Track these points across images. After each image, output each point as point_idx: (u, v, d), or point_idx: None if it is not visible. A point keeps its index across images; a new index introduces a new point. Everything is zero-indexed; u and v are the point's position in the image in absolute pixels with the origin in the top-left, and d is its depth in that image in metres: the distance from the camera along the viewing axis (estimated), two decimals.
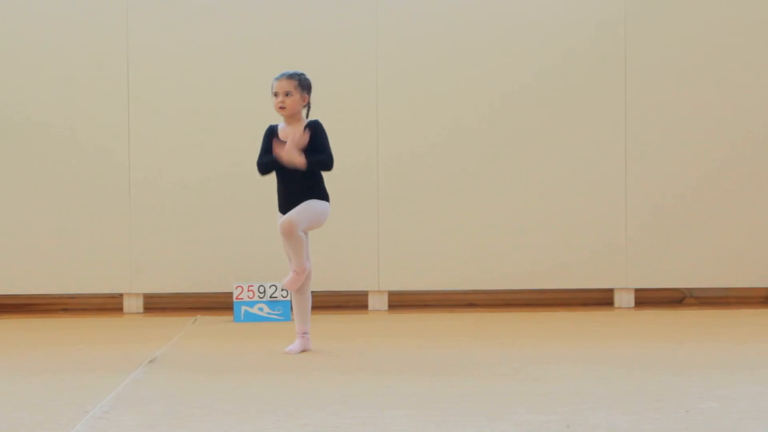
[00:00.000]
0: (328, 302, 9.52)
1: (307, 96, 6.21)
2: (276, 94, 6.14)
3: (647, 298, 9.60)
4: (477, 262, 9.32)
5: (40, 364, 6.06)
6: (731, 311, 8.95)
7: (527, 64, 9.33)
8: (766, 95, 9.42)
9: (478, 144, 9.33)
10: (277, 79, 6.16)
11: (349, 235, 9.27)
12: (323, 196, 6.36)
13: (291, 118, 6.20)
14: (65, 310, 9.44)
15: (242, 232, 9.22)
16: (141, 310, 9.28)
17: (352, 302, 9.50)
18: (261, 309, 8.46)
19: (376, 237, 9.28)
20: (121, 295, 9.35)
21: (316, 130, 6.14)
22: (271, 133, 6.26)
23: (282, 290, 8.51)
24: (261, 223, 9.24)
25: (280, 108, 6.15)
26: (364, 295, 9.40)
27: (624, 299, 9.41)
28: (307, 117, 6.27)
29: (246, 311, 8.44)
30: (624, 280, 9.39)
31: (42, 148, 9.15)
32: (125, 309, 9.29)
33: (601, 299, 9.57)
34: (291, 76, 6.14)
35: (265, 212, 9.25)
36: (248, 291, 8.45)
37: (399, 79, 9.30)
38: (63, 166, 9.16)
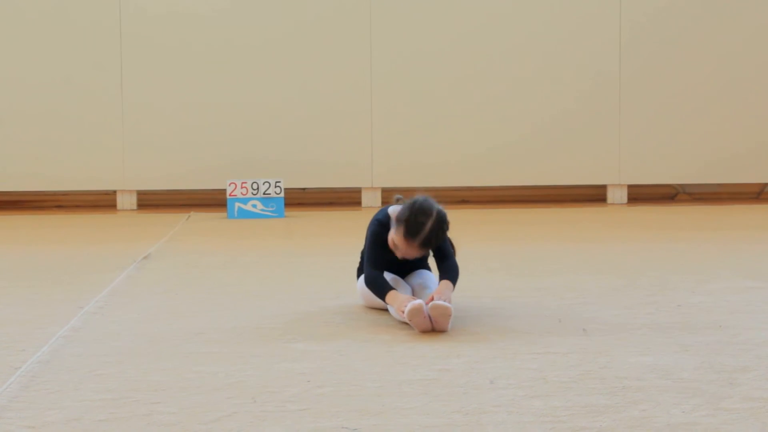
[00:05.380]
0: (322, 199, 9.53)
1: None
2: (396, 247, 4.24)
3: (640, 194, 9.62)
4: (469, 159, 9.31)
5: (35, 260, 6.08)
6: (723, 207, 8.98)
7: None
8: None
9: (473, 46, 9.25)
10: (398, 225, 4.15)
11: (343, 132, 9.24)
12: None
13: None
14: (59, 206, 9.44)
15: (236, 128, 9.18)
16: (134, 206, 9.29)
17: (346, 199, 9.51)
18: (254, 206, 8.46)
19: (370, 134, 9.25)
20: (114, 192, 9.35)
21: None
22: (387, 243, 4.29)
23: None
24: (255, 120, 9.19)
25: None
26: (358, 191, 9.40)
27: (617, 195, 9.42)
28: None
29: (239, 208, 8.44)
30: (617, 176, 9.40)
31: (37, 47, 9.07)
32: (119, 206, 9.30)
33: (594, 195, 9.58)
34: (412, 237, 4.13)
35: (259, 108, 9.21)
36: (242, 188, 8.45)
37: None
38: (56, 63, 9.08)
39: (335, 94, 9.22)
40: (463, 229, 7.57)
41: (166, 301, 4.64)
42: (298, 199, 9.48)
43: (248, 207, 8.45)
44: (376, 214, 4.35)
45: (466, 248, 6.16)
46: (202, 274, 5.45)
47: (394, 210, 4.29)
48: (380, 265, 4.25)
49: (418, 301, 3.91)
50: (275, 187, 8.47)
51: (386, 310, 4.18)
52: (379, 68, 9.22)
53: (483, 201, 9.53)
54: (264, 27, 9.16)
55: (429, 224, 4.11)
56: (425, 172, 9.28)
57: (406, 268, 4.41)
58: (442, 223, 4.15)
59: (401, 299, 4.03)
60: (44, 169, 9.15)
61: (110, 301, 4.61)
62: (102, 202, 9.46)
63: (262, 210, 8.46)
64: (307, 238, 7.11)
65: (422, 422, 2.79)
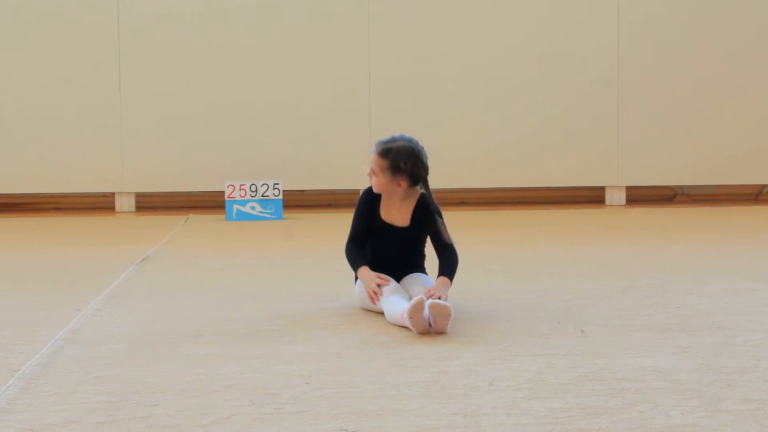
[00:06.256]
0: (321, 201, 9.53)
1: (402, 180, 4.41)
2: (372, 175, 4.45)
3: (638, 196, 9.61)
4: (468, 160, 9.30)
5: (34, 263, 6.07)
6: (722, 208, 8.98)
7: None
8: None
9: (471, 48, 9.25)
10: (374, 148, 4.42)
11: (342, 134, 9.23)
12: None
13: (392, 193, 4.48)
14: (57, 209, 9.44)
15: (235, 130, 9.17)
16: (133, 209, 9.28)
17: (344, 201, 9.50)
18: (253, 208, 8.46)
19: (368, 136, 9.24)
20: (112, 194, 9.34)
21: (430, 214, 4.54)
22: (371, 202, 4.47)
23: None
24: (254, 122, 9.19)
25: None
26: (357, 193, 9.40)
27: (615, 197, 9.42)
28: (421, 186, 4.62)
29: (238, 210, 8.44)
30: (615, 177, 9.40)
31: (34, 48, 9.06)
32: (117, 208, 9.29)
33: (593, 197, 9.58)
34: (383, 155, 4.35)
35: (258, 110, 9.21)
36: (240, 190, 8.44)
37: None
38: (53, 64, 9.07)
39: (334, 96, 9.22)
40: (462, 231, 7.57)
41: (165, 303, 4.64)
42: (297, 201, 9.47)
43: (247, 209, 8.45)
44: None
45: (465, 250, 6.16)
46: (201, 276, 5.44)
47: None
48: (360, 236, 4.44)
49: (420, 297, 3.92)
50: (274, 189, 8.47)
51: (384, 313, 4.18)
52: (378, 70, 9.22)
53: (481, 202, 9.53)
54: (263, 28, 9.15)
55: (400, 143, 4.38)
56: None
57: (400, 265, 4.43)
58: (413, 154, 4.39)
59: (370, 276, 4.26)
60: (42, 171, 9.14)
61: (109, 304, 4.60)
62: (100, 204, 9.45)
63: (260, 212, 8.46)
64: (306, 239, 7.11)
65: (421, 424, 2.79)
